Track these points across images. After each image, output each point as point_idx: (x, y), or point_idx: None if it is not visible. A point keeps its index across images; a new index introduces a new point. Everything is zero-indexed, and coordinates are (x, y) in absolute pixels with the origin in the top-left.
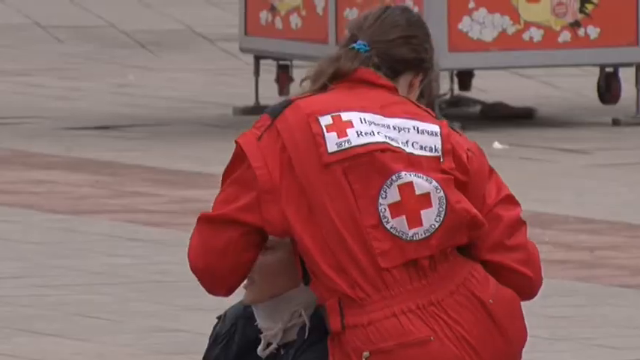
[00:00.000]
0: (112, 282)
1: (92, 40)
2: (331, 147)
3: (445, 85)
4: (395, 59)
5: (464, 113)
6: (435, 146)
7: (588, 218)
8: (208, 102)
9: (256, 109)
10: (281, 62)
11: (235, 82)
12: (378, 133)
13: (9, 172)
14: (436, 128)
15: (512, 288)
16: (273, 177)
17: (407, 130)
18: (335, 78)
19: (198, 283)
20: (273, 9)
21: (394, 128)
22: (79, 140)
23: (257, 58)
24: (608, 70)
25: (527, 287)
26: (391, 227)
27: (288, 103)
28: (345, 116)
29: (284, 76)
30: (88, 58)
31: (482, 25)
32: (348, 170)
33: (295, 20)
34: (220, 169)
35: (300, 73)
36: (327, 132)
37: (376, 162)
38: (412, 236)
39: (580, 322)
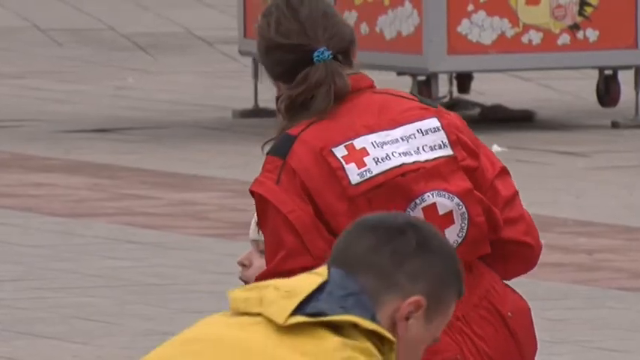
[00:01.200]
0: (110, 285)
1: (91, 43)
2: (354, 179)
3: (444, 88)
4: (346, 44)
5: (463, 116)
6: (443, 141)
7: (587, 221)
8: (207, 105)
9: (255, 112)
10: None
11: (234, 85)
12: (393, 154)
13: (8, 175)
14: (435, 122)
15: (517, 260)
16: (307, 213)
17: (413, 137)
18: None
19: (196, 285)
20: None
21: (402, 140)
22: (78, 143)
23: (256, 61)
24: (607, 72)
25: (531, 257)
26: None
27: (292, 139)
28: (358, 144)
29: None
30: (87, 61)
31: (481, 27)
32: (372, 199)
33: None
34: (219, 172)
35: None
36: (347, 164)
37: (399, 187)
38: None
39: (579, 325)
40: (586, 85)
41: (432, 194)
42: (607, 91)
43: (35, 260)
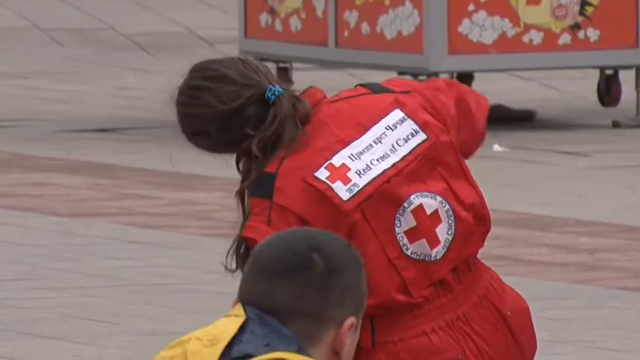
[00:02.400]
0: (111, 284)
1: (92, 42)
2: (344, 195)
3: None
4: (275, 76)
5: None
6: (413, 129)
7: (588, 221)
8: None
9: None
10: (281, 65)
11: None
12: (372, 163)
13: (9, 174)
14: (399, 114)
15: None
16: None
17: (384, 135)
18: (303, 124)
19: (197, 285)
20: (272, 11)
21: (376, 143)
22: (79, 143)
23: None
24: (608, 72)
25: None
26: (412, 253)
27: (272, 177)
28: (337, 161)
29: (284, 78)
30: (88, 61)
31: (482, 27)
32: (365, 210)
33: (295, 22)
34: (220, 172)
35: (299, 75)
36: (332, 183)
37: (386, 194)
38: (435, 256)
39: (581, 325)
40: (587, 84)
41: (417, 196)
42: (608, 90)
43: (36, 260)
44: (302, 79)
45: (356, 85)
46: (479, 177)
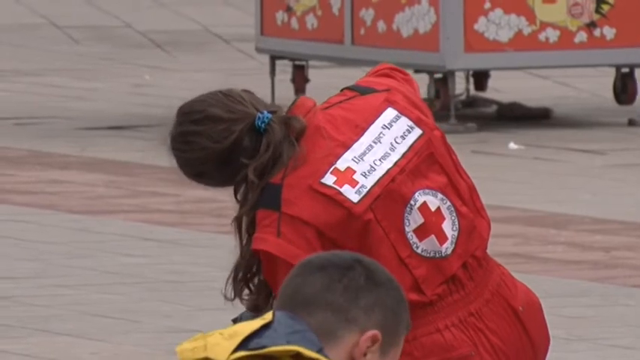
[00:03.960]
0: (126, 282)
1: (108, 40)
2: (354, 198)
3: (461, 86)
4: (262, 100)
5: (479, 114)
6: (408, 125)
7: (603, 219)
8: None
9: None
10: (297, 62)
11: (251, 83)
12: (375, 163)
13: (25, 172)
14: (392, 112)
15: None
16: None
17: (382, 135)
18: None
19: (213, 283)
20: (289, 9)
21: (375, 143)
22: (94, 140)
23: (273, 59)
24: (624, 70)
25: None
26: (422, 251)
27: (278, 188)
28: (341, 165)
29: (300, 77)
30: (104, 59)
31: (498, 25)
32: (375, 210)
33: (311, 20)
34: None
35: (315, 73)
36: (341, 187)
37: (393, 194)
38: (446, 251)
39: (596, 323)
40: (603, 82)
41: (420, 194)
42: (624, 89)
43: (52, 257)
44: (318, 77)
45: (342, 89)
46: (494, 175)
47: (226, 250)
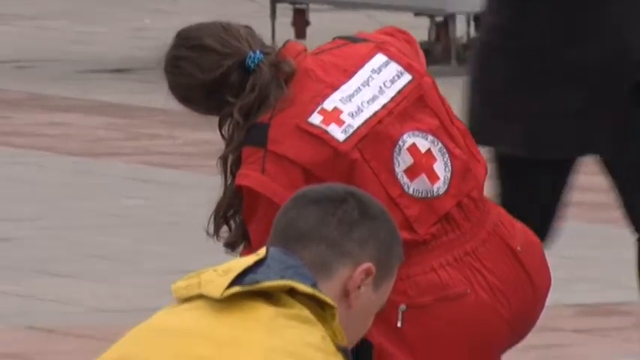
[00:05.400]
0: (127, 224)
1: None
2: (340, 137)
3: (462, 29)
4: (260, 38)
5: None
6: (398, 70)
7: None
8: None
9: None
10: (297, 6)
11: (251, 25)
12: (363, 105)
13: (25, 114)
14: (382, 57)
15: None
16: None
17: (371, 78)
18: (287, 81)
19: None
20: None
21: (364, 86)
22: (95, 83)
23: (273, 2)
24: None
25: None
26: (414, 191)
27: (265, 127)
28: (328, 105)
29: (300, 20)
30: (105, 2)
31: None
32: (362, 150)
33: None
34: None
35: (316, 16)
36: (327, 126)
37: (380, 135)
38: (437, 191)
39: (597, 264)
40: None
41: (409, 135)
42: None
43: (52, 199)
44: (319, 20)
45: (334, 38)
46: None
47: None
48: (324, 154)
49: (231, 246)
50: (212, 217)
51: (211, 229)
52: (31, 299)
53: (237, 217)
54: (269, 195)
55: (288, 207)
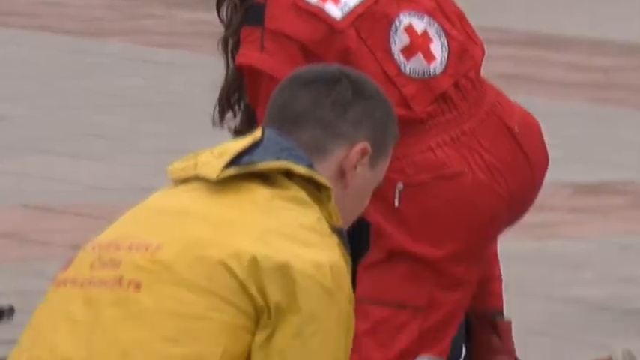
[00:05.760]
0: (123, 103)
1: None
2: (336, 14)
3: None
4: None
5: None
6: None
7: (603, 40)
8: None
9: None
10: None
11: None
12: None
13: None
14: None
15: None
16: None
17: None
18: None
19: (210, 105)
20: None
21: None
22: None
23: None
24: None
25: None
26: (410, 70)
27: (261, 6)
28: None
29: None
30: None
31: None
32: (359, 29)
33: None
34: None
35: None
36: (324, 4)
37: (377, 14)
38: (434, 71)
39: (594, 143)
40: None
41: (405, 15)
42: None
43: (49, 79)
44: None
45: None
46: None
47: (224, 72)
48: (321, 31)
49: (238, 134)
50: (216, 103)
51: (217, 116)
52: (26, 177)
53: (242, 103)
54: (269, 71)
55: (283, 86)
